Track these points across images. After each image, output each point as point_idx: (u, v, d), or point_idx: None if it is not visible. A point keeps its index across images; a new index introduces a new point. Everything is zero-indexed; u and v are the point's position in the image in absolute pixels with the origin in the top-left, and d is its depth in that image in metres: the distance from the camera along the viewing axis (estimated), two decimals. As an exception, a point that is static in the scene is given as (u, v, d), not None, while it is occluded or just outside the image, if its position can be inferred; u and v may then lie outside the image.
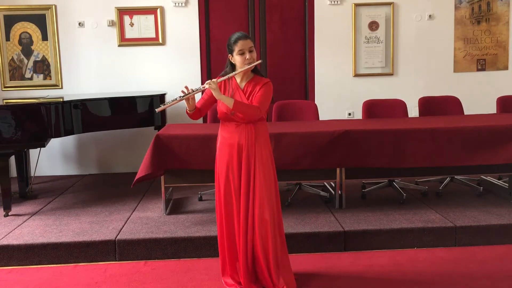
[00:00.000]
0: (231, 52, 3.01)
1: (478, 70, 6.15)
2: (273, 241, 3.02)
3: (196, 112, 3.09)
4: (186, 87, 2.98)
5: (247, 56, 2.96)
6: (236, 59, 2.99)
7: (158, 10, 5.83)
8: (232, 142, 3.02)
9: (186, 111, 3.08)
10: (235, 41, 2.97)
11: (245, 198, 3.00)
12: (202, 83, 5.92)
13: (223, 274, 3.20)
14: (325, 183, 4.82)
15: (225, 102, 2.95)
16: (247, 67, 2.98)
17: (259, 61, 3.01)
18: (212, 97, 3.07)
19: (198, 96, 3.08)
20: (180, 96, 2.98)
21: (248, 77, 3.06)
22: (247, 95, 3.02)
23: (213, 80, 2.96)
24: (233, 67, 3.05)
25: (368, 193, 4.66)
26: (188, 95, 2.97)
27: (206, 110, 3.14)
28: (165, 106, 3.04)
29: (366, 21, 6.00)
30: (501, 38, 6.13)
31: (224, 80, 3.03)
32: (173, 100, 3.00)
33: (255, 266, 3.08)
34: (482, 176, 4.92)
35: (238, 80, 3.07)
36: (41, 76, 5.88)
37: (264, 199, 2.99)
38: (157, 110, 3.10)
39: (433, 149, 4.14)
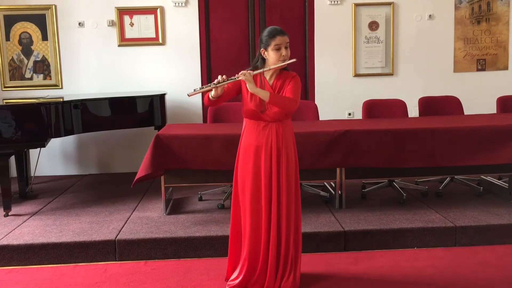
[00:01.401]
0: (266, 46, 2.89)
1: (478, 70, 6.14)
2: (286, 241, 2.98)
3: (217, 99, 2.97)
4: (221, 76, 2.89)
5: (283, 52, 2.87)
6: (271, 54, 2.89)
7: (158, 10, 5.83)
8: (259, 144, 2.94)
9: (207, 98, 2.97)
10: (273, 36, 2.86)
11: (275, 201, 2.92)
12: (203, 83, 5.93)
13: (233, 279, 3.09)
14: (325, 183, 4.82)
15: (259, 95, 2.85)
16: (281, 64, 2.88)
17: (294, 60, 2.90)
18: (233, 89, 2.98)
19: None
20: (213, 83, 2.89)
21: (277, 72, 2.98)
22: (276, 91, 2.94)
23: (249, 71, 2.87)
24: (263, 62, 2.94)
25: (368, 193, 4.66)
26: (222, 83, 2.88)
27: (224, 100, 3.02)
28: (197, 91, 2.94)
29: (366, 21, 5.99)
30: (501, 38, 6.12)
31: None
32: (206, 86, 2.93)
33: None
34: (482, 176, 4.92)
35: (267, 76, 2.98)
36: (41, 76, 5.88)
37: (292, 201, 2.95)
38: (189, 94, 2.99)
39: (433, 149, 4.14)
